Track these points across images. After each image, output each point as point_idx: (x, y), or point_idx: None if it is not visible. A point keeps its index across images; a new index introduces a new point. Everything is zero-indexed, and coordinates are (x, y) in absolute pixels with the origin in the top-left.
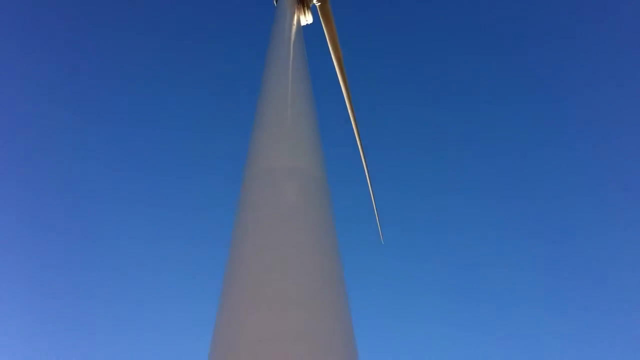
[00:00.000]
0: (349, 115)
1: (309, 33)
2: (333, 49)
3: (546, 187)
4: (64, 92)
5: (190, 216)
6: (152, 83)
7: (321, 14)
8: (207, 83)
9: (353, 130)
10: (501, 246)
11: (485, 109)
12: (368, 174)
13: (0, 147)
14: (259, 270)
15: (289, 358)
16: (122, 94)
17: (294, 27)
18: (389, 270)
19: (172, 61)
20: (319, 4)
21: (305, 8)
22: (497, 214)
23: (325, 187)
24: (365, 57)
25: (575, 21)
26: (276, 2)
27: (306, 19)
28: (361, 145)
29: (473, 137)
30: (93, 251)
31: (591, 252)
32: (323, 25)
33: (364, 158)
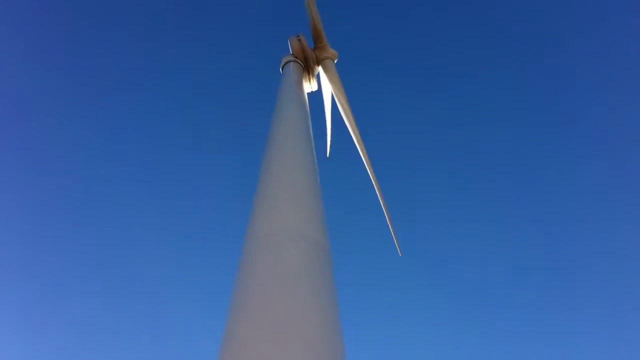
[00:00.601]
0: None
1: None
2: (341, 104)
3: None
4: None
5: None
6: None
7: (326, 72)
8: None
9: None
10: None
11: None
12: (379, 191)
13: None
14: (257, 337)
15: None
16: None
17: (299, 95)
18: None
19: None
20: (322, 64)
21: (311, 76)
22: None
23: (327, 252)
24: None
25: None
26: (282, 69)
27: (311, 86)
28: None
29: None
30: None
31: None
32: (328, 81)
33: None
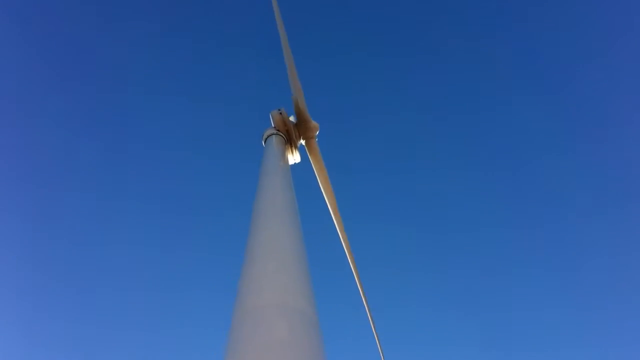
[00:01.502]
0: (341, 243)
1: (297, 171)
2: (323, 185)
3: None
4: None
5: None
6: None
7: (309, 152)
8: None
9: (349, 263)
10: None
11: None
12: (366, 300)
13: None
14: None
15: None
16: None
17: (282, 167)
18: None
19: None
20: (306, 142)
21: (293, 147)
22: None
23: (316, 324)
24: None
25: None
26: (264, 142)
27: (294, 158)
28: (360, 284)
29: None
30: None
31: None
32: (312, 162)
33: (363, 294)
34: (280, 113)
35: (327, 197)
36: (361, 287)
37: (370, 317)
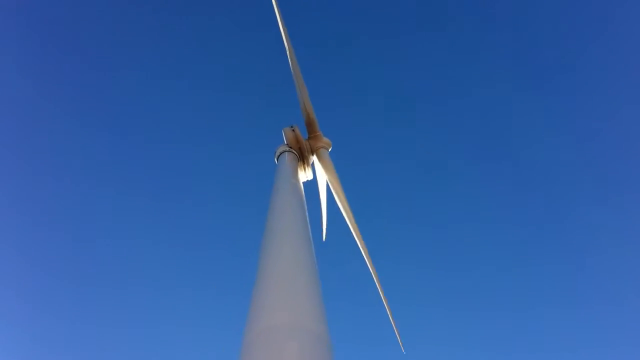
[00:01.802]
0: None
1: (309, 189)
2: (336, 193)
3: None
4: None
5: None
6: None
7: (321, 162)
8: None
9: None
10: None
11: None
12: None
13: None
14: None
15: None
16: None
17: (295, 185)
18: None
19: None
20: (317, 152)
21: (306, 165)
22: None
23: (328, 344)
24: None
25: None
26: (277, 159)
27: (306, 175)
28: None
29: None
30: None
31: None
32: (324, 171)
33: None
34: (293, 130)
35: (340, 203)
36: (380, 286)
37: (389, 312)
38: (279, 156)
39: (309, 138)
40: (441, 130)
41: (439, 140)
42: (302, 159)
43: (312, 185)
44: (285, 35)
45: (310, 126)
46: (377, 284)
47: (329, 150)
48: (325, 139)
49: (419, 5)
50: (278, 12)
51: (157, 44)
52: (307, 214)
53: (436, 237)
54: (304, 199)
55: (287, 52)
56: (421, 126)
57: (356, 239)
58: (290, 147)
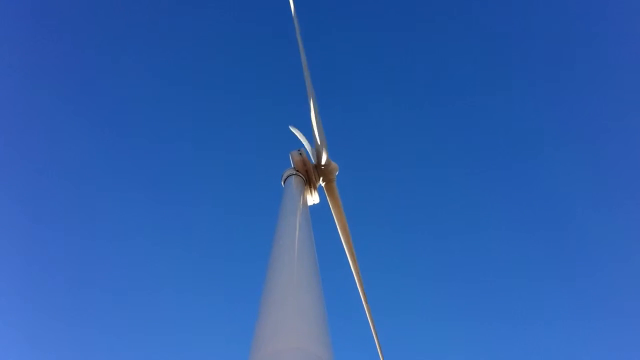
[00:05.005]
0: (357, 289)
1: (316, 212)
2: (341, 229)
3: None
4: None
5: None
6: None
7: (328, 195)
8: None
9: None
10: None
11: None
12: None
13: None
14: None
15: None
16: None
17: (301, 208)
18: None
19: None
20: (325, 184)
21: (312, 189)
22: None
23: None
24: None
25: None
26: (283, 182)
27: (313, 199)
28: (371, 318)
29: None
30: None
31: None
32: (330, 205)
33: (376, 334)
34: (300, 154)
35: (343, 239)
36: (370, 316)
37: (374, 329)
38: (285, 179)
39: (317, 162)
40: (441, 130)
41: (439, 140)
42: (309, 182)
43: (318, 208)
44: (306, 75)
45: (318, 155)
46: (364, 303)
47: (337, 174)
48: (333, 164)
49: (419, 5)
50: (299, 39)
51: (166, 48)
52: (313, 237)
53: (427, 245)
54: (310, 222)
55: (307, 90)
56: (421, 126)
57: (354, 273)
58: (297, 171)
